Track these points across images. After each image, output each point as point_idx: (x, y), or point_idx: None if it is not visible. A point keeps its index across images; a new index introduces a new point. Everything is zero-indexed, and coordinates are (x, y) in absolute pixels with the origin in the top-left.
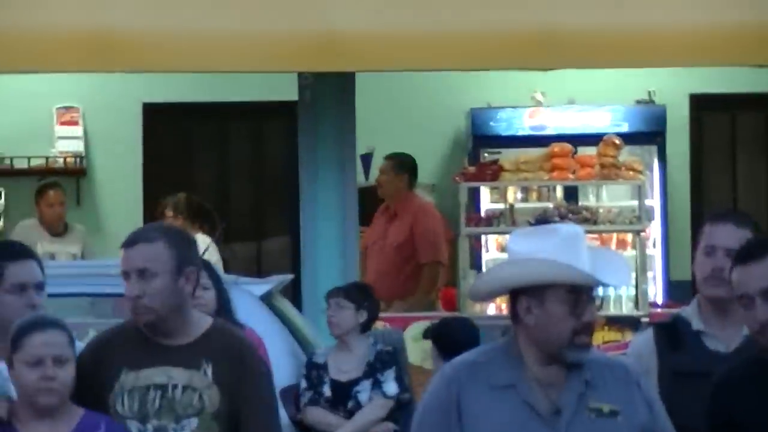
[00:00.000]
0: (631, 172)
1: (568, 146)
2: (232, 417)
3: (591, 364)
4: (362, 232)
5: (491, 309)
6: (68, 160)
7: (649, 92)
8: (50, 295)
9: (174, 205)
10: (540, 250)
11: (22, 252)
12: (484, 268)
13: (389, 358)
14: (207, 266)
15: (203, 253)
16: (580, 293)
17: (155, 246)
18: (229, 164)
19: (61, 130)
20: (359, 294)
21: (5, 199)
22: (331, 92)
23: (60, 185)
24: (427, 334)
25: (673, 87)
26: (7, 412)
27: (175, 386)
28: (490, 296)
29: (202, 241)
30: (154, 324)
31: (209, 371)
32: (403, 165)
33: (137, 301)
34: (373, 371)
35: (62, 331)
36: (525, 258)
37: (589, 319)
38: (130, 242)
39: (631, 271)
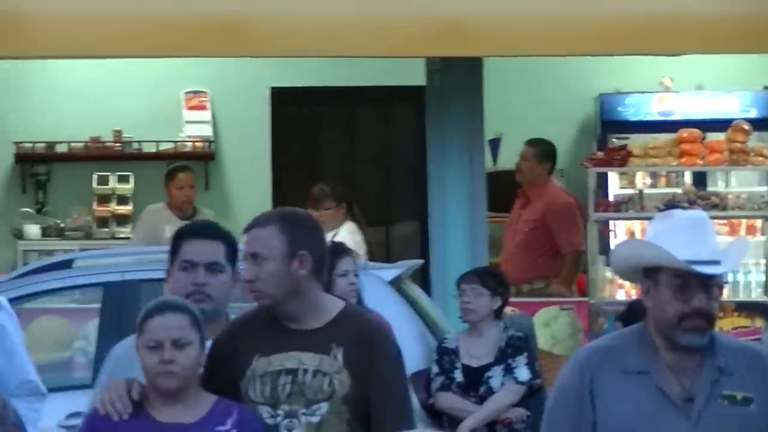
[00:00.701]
0: (760, 158)
1: (697, 132)
2: (363, 401)
3: (724, 350)
4: (490, 218)
5: (620, 294)
6: (197, 144)
7: None
8: None
9: (323, 192)
10: (655, 233)
11: (198, 231)
12: None
13: (521, 343)
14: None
15: (331, 238)
16: (687, 278)
17: (267, 230)
18: (356, 149)
19: (189, 114)
20: (494, 280)
21: (135, 183)
22: (459, 77)
23: (190, 168)
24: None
25: None
26: (139, 395)
27: (305, 371)
28: (620, 274)
29: (351, 229)
30: (274, 308)
31: (339, 355)
32: (546, 153)
33: (251, 285)
34: (504, 357)
35: (184, 314)
36: (637, 240)
37: (698, 305)
38: (248, 227)
39: (761, 257)
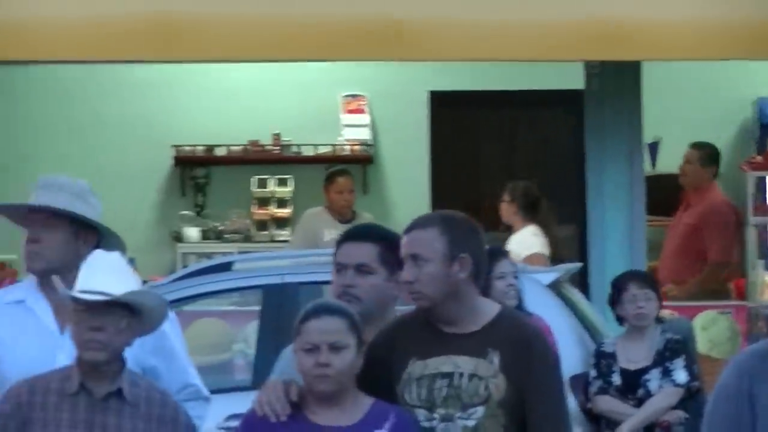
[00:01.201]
0: None
1: None
2: (519, 405)
3: None
4: (649, 221)
5: None
6: (355, 148)
7: None
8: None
9: (512, 190)
10: None
11: (350, 234)
12: None
13: (679, 346)
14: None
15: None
16: None
17: (428, 232)
18: (514, 152)
19: (347, 118)
20: (655, 284)
21: (294, 187)
22: (617, 81)
23: (349, 172)
24: None
25: None
26: (297, 396)
27: (461, 375)
28: None
29: (533, 232)
30: (432, 310)
31: (496, 359)
32: (710, 157)
33: (411, 287)
34: (662, 360)
35: (342, 318)
36: None
37: None
38: (408, 228)
39: None
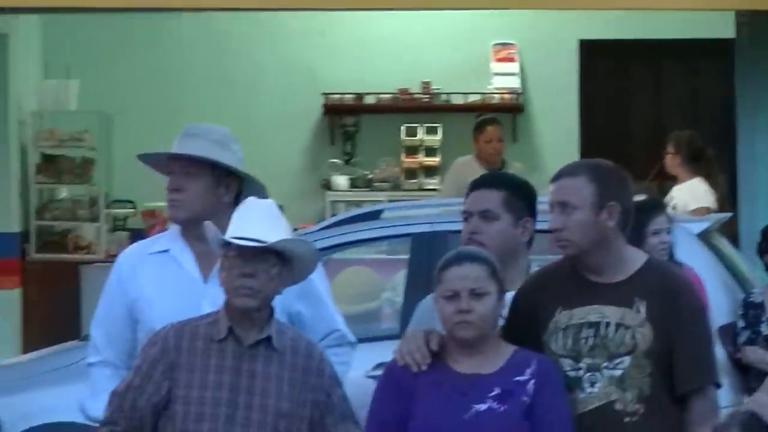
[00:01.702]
0: None
1: None
2: (665, 355)
3: None
4: None
5: None
6: (504, 96)
7: None
8: None
9: (676, 141)
10: None
11: (477, 181)
12: None
13: None
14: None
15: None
16: None
17: (577, 180)
18: (663, 102)
19: (497, 66)
20: None
21: (443, 135)
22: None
23: (498, 121)
24: None
25: None
26: (438, 345)
27: (607, 324)
28: None
29: (700, 186)
30: (579, 258)
31: (642, 309)
32: None
33: (558, 234)
34: None
35: (482, 264)
36: None
37: None
38: (555, 176)
39: None
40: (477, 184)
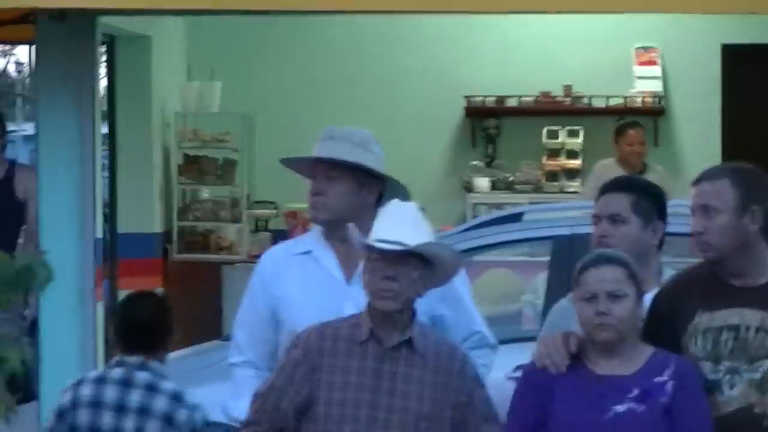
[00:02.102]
0: None
1: None
2: None
3: None
4: None
5: None
6: (646, 99)
7: None
8: None
9: None
10: None
11: (607, 185)
12: None
13: None
14: None
15: None
16: None
17: (719, 184)
18: None
19: (639, 70)
20: None
21: (584, 138)
22: None
23: (640, 124)
24: None
25: None
26: (576, 347)
27: (748, 327)
28: None
29: None
30: (719, 262)
31: None
32: None
33: (699, 238)
34: None
35: (620, 267)
36: None
37: None
38: (697, 180)
39: None
40: (606, 188)
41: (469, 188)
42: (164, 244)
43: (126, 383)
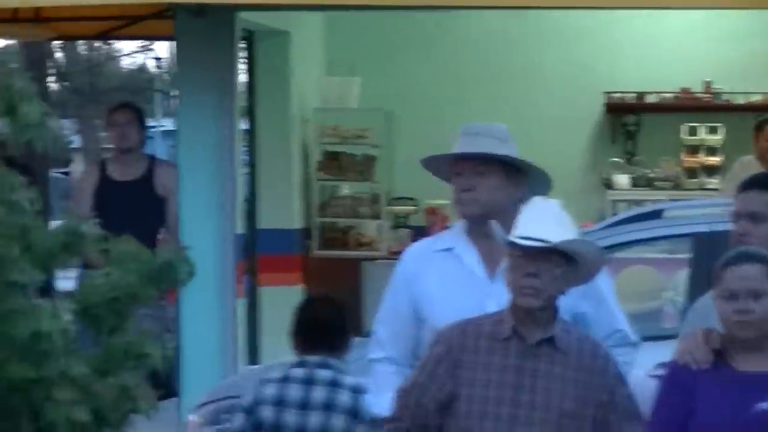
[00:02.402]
0: None
1: None
2: None
3: None
4: None
5: None
6: None
7: None
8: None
9: None
10: None
11: (748, 181)
12: None
13: None
14: None
15: None
16: None
17: None
18: None
19: None
20: None
21: (724, 135)
22: None
23: None
24: None
25: None
26: (718, 344)
27: None
28: None
29: None
30: None
31: None
32: None
33: (743, 239)
34: None
35: (761, 265)
36: None
37: None
38: (745, 186)
39: None
40: (745, 186)
41: (608, 185)
42: (304, 241)
43: (308, 382)
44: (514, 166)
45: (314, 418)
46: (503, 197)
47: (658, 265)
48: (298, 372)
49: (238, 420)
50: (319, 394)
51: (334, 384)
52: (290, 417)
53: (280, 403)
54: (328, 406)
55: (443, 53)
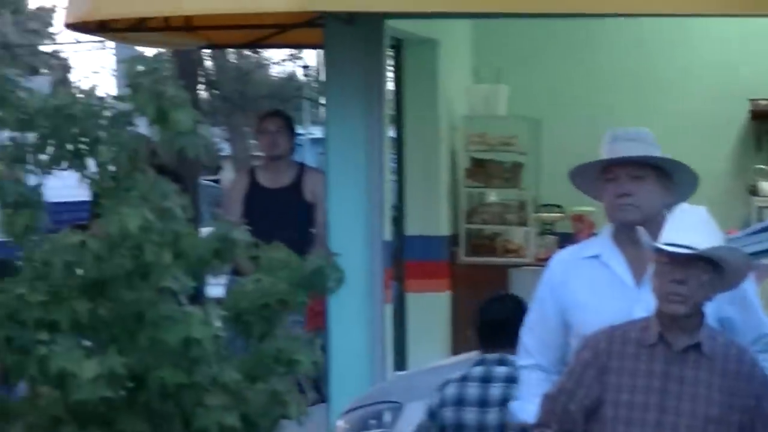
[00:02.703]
0: None
1: None
2: None
3: None
4: None
5: None
6: None
7: None
8: None
9: None
10: None
11: None
12: None
13: None
14: None
15: None
16: None
17: None
18: None
19: None
20: None
21: None
22: None
23: None
24: None
25: None
26: None
27: None
28: None
29: None
30: None
31: None
32: None
33: None
34: None
35: None
36: None
37: None
38: None
39: None
40: None
41: (754, 191)
42: (451, 247)
43: (486, 380)
44: (664, 171)
45: (492, 415)
46: (659, 202)
47: None
48: (477, 370)
49: (421, 420)
50: (496, 391)
51: (510, 380)
52: (470, 415)
53: (459, 402)
54: (505, 402)
55: (591, 60)
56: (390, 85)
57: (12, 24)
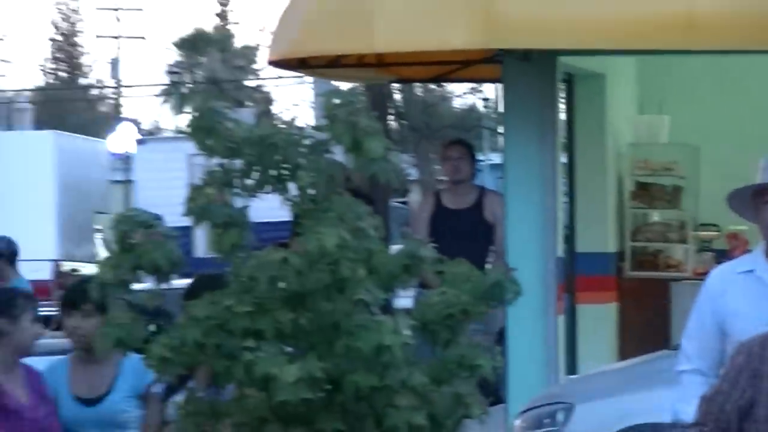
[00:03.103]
0: None
1: None
2: None
3: None
4: None
5: None
6: None
7: None
8: None
9: None
10: None
11: None
12: None
13: None
14: None
15: None
16: None
17: None
18: None
19: None
20: None
21: None
22: None
23: None
24: None
25: None
26: None
27: None
28: None
29: None
30: None
31: None
32: None
33: None
34: None
35: None
36: None
37: None
38: None
39: None
40: None
41: None
42: (618, 263)
43: None
44: None
45: None
46: None
47: None
48: None
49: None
50: None
51: None
52: None
53: None
54: None
55: (745, 91)
56: (562, 116)
57: (220, 61)
